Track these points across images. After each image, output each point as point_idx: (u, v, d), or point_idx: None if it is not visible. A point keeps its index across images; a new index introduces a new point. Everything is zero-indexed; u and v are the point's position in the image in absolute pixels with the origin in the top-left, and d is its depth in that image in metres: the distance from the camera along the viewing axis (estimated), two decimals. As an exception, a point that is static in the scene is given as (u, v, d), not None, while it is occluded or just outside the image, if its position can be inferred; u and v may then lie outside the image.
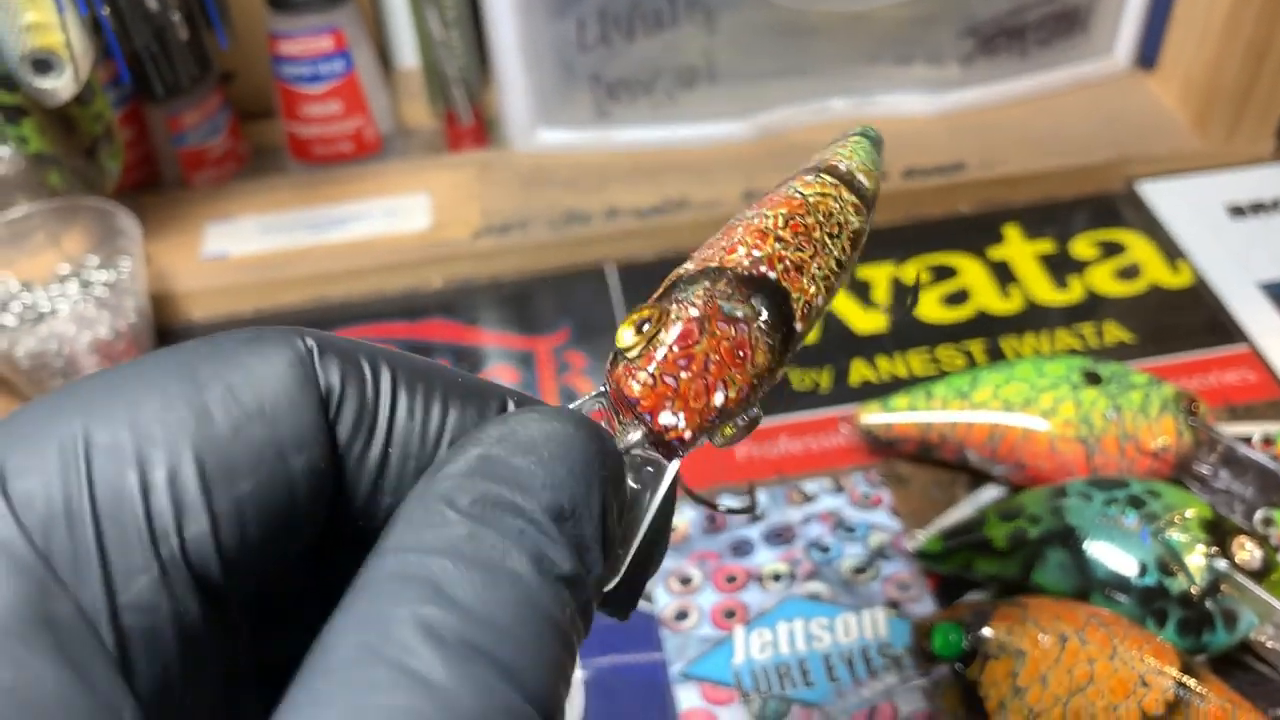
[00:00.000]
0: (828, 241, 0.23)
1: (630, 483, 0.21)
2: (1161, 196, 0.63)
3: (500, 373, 0.55)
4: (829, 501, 0.49)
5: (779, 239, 0.23)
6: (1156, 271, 0.59)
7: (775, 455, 0.51)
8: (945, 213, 0.63)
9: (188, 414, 0.17)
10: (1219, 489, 0.46)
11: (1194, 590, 0.40)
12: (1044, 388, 0.47)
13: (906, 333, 0.56)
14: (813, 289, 0.22)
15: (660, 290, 0.23)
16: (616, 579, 0.21)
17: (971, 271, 0.59)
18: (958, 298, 0.58)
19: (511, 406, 0.21)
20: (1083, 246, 0.60)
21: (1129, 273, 0.59)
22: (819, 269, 0.23)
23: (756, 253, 0.22)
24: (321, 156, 0.67)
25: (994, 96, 0.67)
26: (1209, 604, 0.40)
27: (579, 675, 0.43)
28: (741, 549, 0.47)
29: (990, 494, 0.48)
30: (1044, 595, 0.42)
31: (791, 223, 0.23)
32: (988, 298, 0.58)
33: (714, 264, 0.22)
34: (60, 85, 0.47)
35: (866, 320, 0.57)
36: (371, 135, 0.67)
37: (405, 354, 0.21)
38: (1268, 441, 0.47)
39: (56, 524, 0.16)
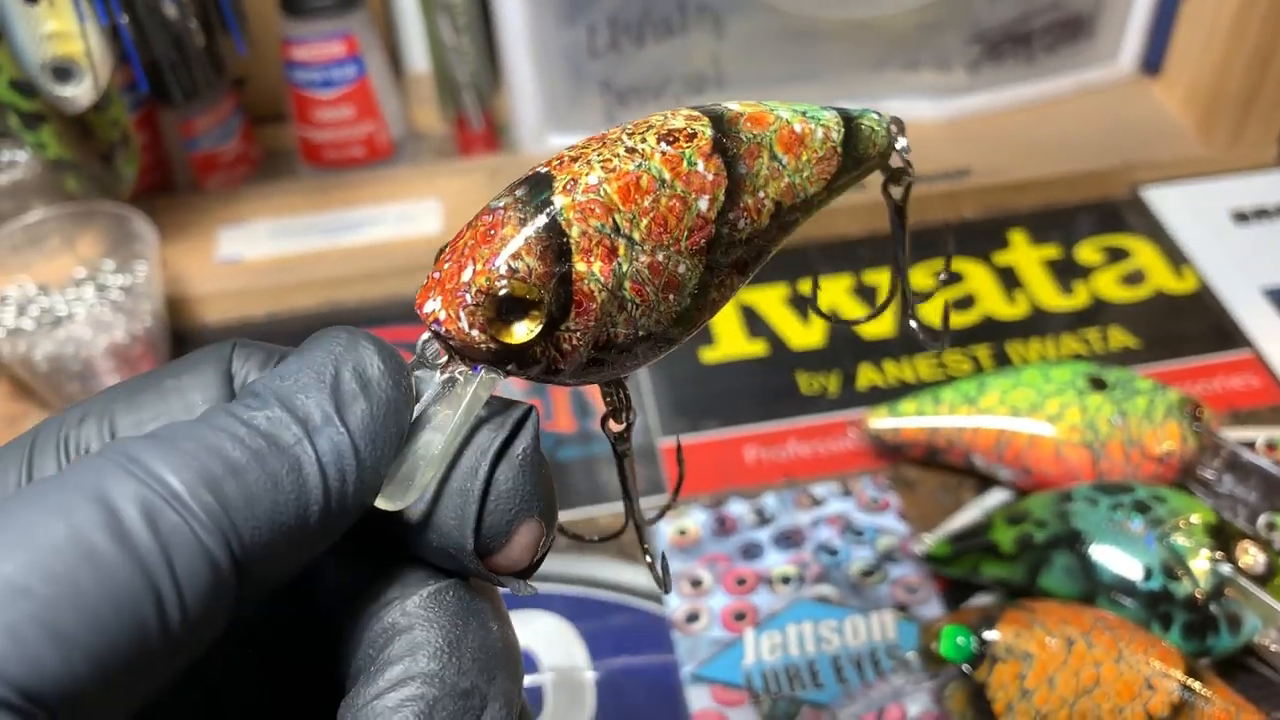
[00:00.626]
0: (623, 136, 0.22)
1: (436, 405, 0.21)
2: (1166, 202, 0.63)
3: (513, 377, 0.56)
4: (837, 505, 0.49)
5: (574, 145, 0.22)
6: (1161, 277, 0.59)
7: (784, 459, 0.51)
8: (952, 218, 0.63)
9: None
10: (1223, 494, 0.46)
11: (1199, 594, 0.40)
12: (1050, 393, 0.47)
13: (913, 338, 0.56)
14: (584, 169, 0.22)
15: None
16: (406, 497, 0.20)
17: (978, 277, 0.60)
18: (964, 303, 0.58)
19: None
20: (1088, 252, 0.61)
21: (1134, 278, 0.59)
22: (598, 154, 0.22)
23: (544, 169, 0.22)
24: (333, 161, 0.68)
25: (1000, 103, 0.68)
26: (1213, 608, 0.40)
27: (589, 676, 0.44)
28: (751, 552, 0.48)
29: (997, 498, 0.49)
30: (1050, 599, 0.42)
31: (599, 135, 0.22)
32: (994, 303, 0.58)
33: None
34: (80, 93, 0.48)
35: (873, 325, 0.57)
36: (383, 140, 0.68)
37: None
38: (1271, 446, 0.48)
39: None
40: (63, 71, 0.47)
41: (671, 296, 0.22)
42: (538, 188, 0.21)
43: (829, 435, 0.52)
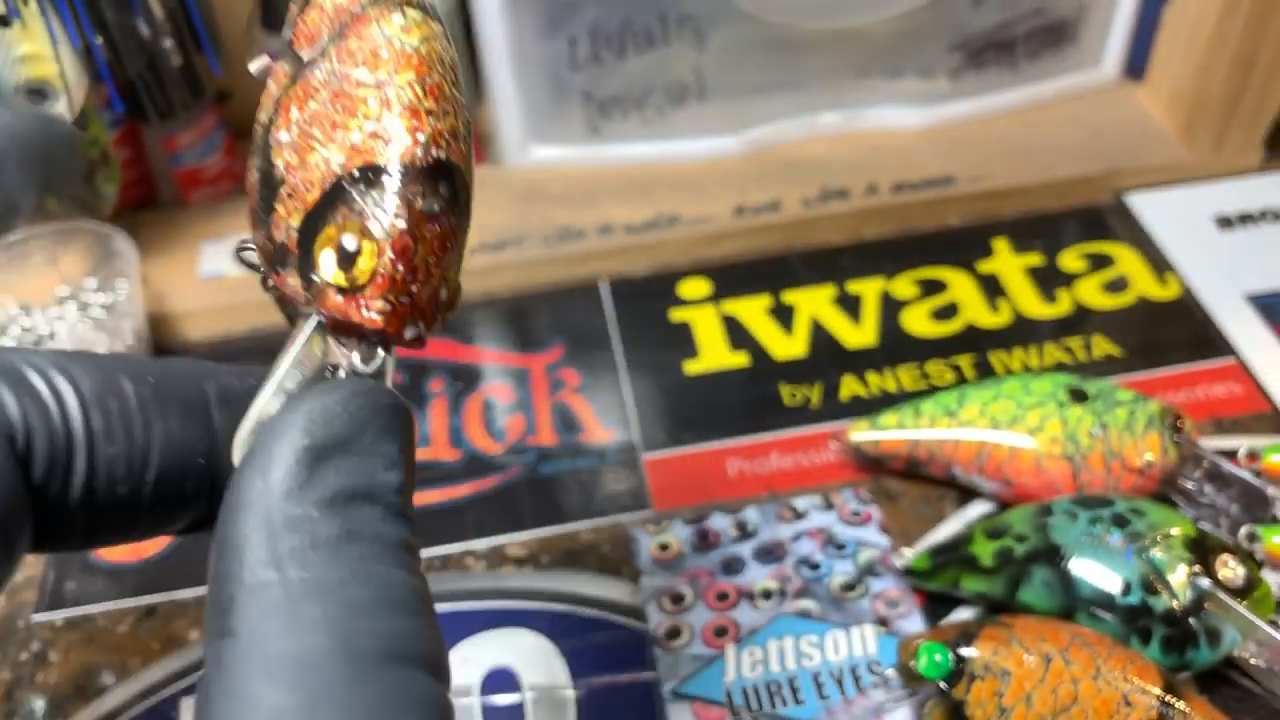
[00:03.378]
0: (456, 94, 0.22)
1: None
2: (1149, 208, 0.63)
3: (496, 391, 0.56)
4: (819, 518, 0.49)
5: (429, 112, 0.22)
6: (1144, 284, 0.59)
7: (766, 471, 0.51)
8: (934, 226, 0.63)
9: None
10: (1204, 504, 0.46)
11: (1177, 608, 0.40)
12: (1030, 405, 0.47)
13: (896, 348, 0.57)
14: (463, 146, 0.22)
15: (321, 194, 0.22)
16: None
17: (960, 285, 0.60)
18: (946, 312, 0.58)
19: (215, 392, 0.24)
20: (1071, 259, 0.61)
21: (1117, 285, 0.59)
22: (463, 125, 0.22)
23: (421, 136, 0.21)
24: (316, 174, 0.68)
25: (983, 109, 0.68)
26: (1193, 622, 0.40)
27: (570, 694, 0.44)
28: (733, 566, 0.47)
29: (978, 509, 0.49)
30: (1030, 613, 0.42)
31: (428, 87, 0.22)
32: (977, 312, 0.58)
33: (377, 159, 0.21)
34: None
35: (857, 335, 0.57)
36: (366, 153, 0.68)
37: (100, 359, 0.22)
38: (1253, 456, 0.48)
39: None
40: (37, 94, 0.47)
41: None
42: (452, 181, 0.22)
43: (811, 447, 0.52)
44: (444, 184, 0.21)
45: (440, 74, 0.22)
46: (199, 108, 0.64)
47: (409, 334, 0.22)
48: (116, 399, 0.21)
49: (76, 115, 0.49)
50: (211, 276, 0.61)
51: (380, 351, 0.22)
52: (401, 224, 0.21)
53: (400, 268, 0.21)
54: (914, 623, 0.45)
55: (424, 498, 0.52)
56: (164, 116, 0.62)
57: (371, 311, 0.22)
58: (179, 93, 0.61)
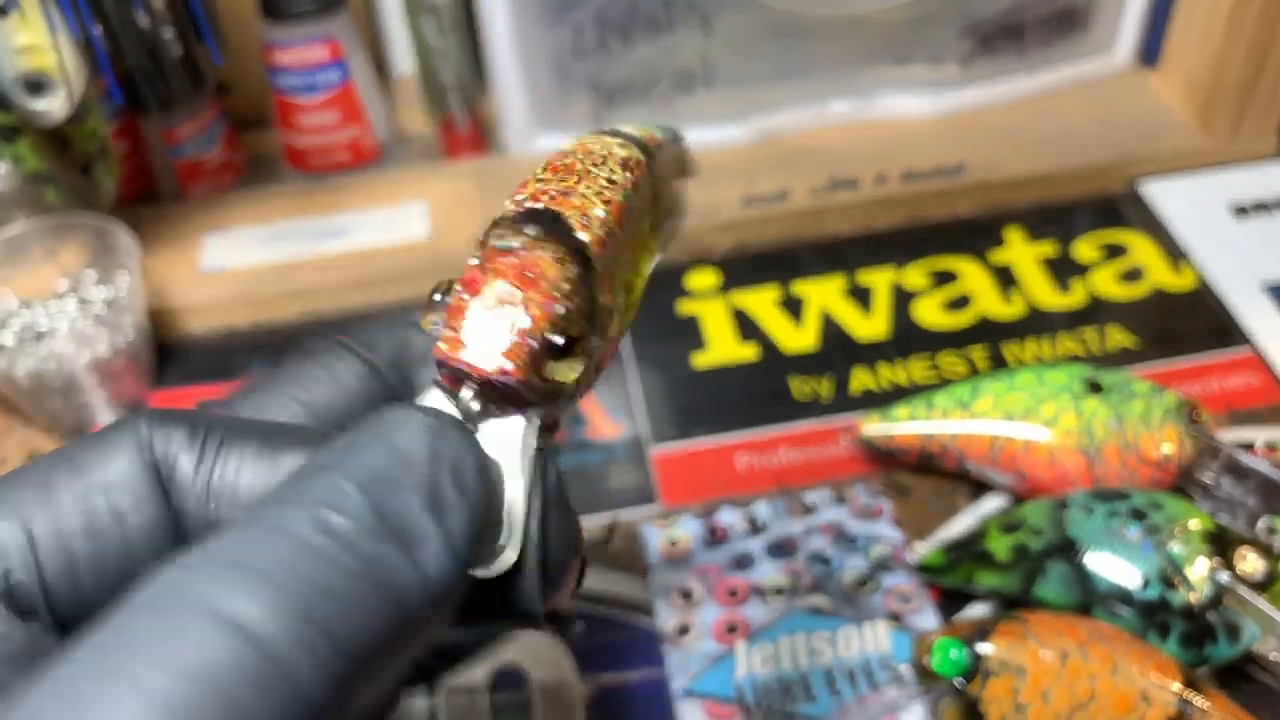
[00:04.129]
0: (590, 168, 0.24)
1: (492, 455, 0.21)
2: (1164, 197, 0.62)
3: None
4: (830, 513, 0.48)
5: (539, 179, 0.23)
6: (1159, 274, 0.58)
7: (777, 466, 0.51)
8: (945, 215, 0.62)
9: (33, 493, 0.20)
10: (1221, 497, 0.45)
11: (1196, 602, 0.40)
12: (1045, 397, 0.47)
13: (907, 340, 0.56)
14: (585, 202, 0.23)
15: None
16: (500, 562, 0.20)
17: (973, 276, 0.59)
18: (959, 303, 0.58)
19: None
20: (1085, 249, 0.60)
21: (1131, 275, 0.58)
22: (588, 188, 0.23)
23: (520, 196, 0.23)
24: (319, 166, 0.67)
25: (994, 97, 0.67)
26: (1211, 616, 0.39)
27: (580, 691, 0.43)
28: (743, 562, 0.47)
29: (992, 503, 0.48)
30: (1046, 609, 0.41)
31: (550, 166, 0.24)
32: (989, 302, 0.57)
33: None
34: (54, 106, 0.47)
35: (867, 327, 0.57)
36: (369, 144, 0.67)
37: (243, 421, 0.22)
38: (1271, 448, 0.47)
39: None
40: (35, 85, 0.46)
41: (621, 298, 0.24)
42: (554, 224, 0.22)
43: (822, 441, 0.51)
44: (532, 225, 0.22)
45: (575, 158, 0.24)
46: (199, 99, 0.63)
47: (465, 357, 0.21)
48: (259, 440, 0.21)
49: (75, 107, 0.48)
50: (213, 270, 0.61)
51: (467, 392, 0.21)
52: (473, 260, 0.22)
53: (465, 296, 0.21)
54: (927, 618, 0.44)
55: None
56: (164, 108, 0.61)
57: (441, 342, 0.21)
58: (179, 84, 0.61)
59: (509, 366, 0.21)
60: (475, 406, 0.21)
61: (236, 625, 0.15)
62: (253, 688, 0.15)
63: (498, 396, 0.21)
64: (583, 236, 0.22)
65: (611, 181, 0.23)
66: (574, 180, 0.23)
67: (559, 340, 0.21)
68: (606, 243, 0.22)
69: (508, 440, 0.21)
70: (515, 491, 0.21)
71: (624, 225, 0.23)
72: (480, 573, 0.20)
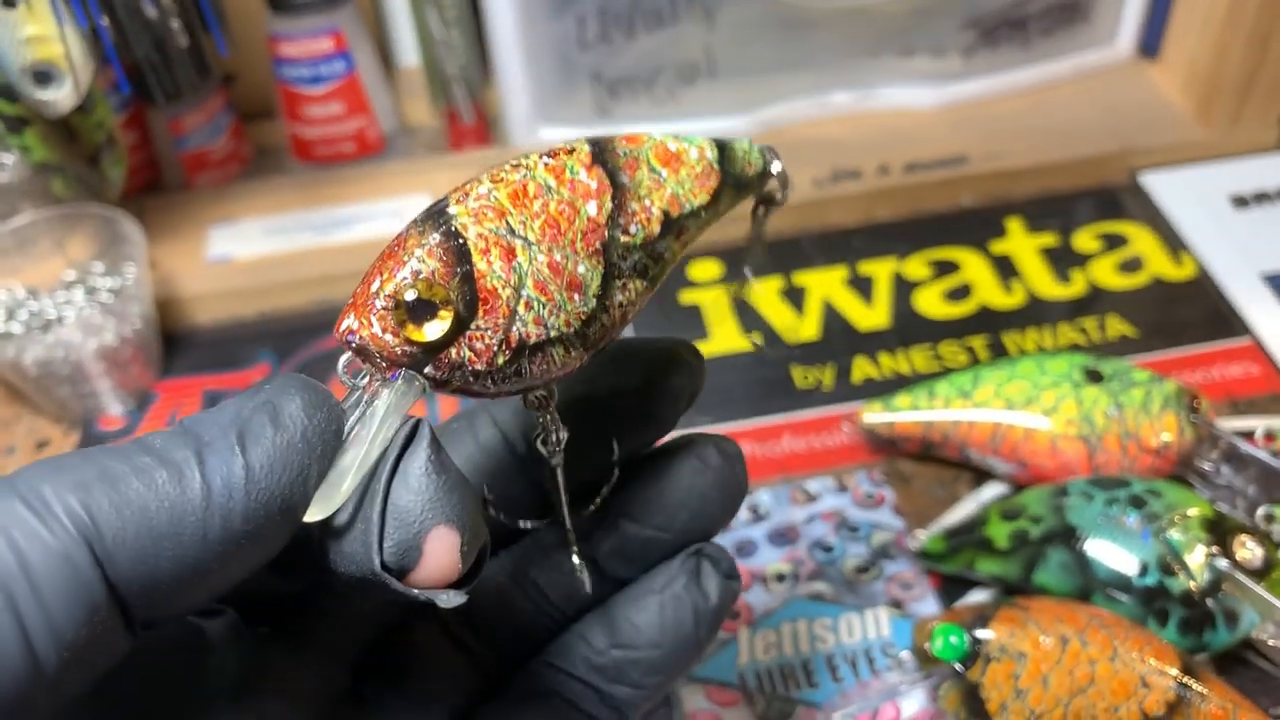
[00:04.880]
0: (508, 162, 0.24)
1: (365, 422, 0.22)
2: (1164, 187, 0.62)
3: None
4: (832, 501, 0.49)
5: (474, 181, 0.24)
6: (1159, 264, 0.59)
7: (779, 454, 0.51)
8: (947, 206, 0.63)
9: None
10: (1221, 485, 0.46)
11: (1195, 589, 0.40)
12: (1046, 386, 0.47)
13: (909, 329, 0.56)
14: (471, 184, 0.23)
15: None
16: (313, 510, 0.21)
17: (974, 266, 0.59)
18: (960, 293, 0.58)
19: None
20: (1085, 239, 0.60)
21: (1131, 265, 0.59)
22: (487, 174, 0.24)
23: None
24: (324, 157, 0.67)
25: (996, 88, 0.67)
26: (1210, 603, 0.40)
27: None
28: (745, 549, 0.47)
29: (993, 491, 0.48)
30: (1046, 595, 0.42)
31: (490, 173, 0.24)
32: (990, 292, 0.58)
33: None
34: (61, 97, 0.48)
35: (869, 317, 0.57)
36: (374, 135, 0.67)
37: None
38: (1270, 436, 0.48)
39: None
40: (43, 75, 0.47)
41: (576, 297, 0.24)
42: (433, 208, 0.23)
43: (824, 430, 0.52)
44: (423, 213, 0.23)
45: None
46: (206, 90, 0.63)
47: (342, 326, 0.22)
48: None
49: (82, 98, 0.49)
50: (219, 260, 0.61)
51: (344, 356, 0.23)
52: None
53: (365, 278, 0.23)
54: (928, 605, 0.45)
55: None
56: (170, 98, 0.62)
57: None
58: (185, 74, 0.61)
59: (354, 325, 0.22)
60: (354, 374, 0.23)
61: (29, 505, 0.18)
62: (39, 556, 0.18)
63: (363, 356, 0.22)
64: (452, 208, 0.23)
65: (515, 165, 0.24)
66: (485, 177, 0.24)
67: (406, 297, 0.22)
68: (485, 213, 0.23)
69: (376, 401, 0.22)
70: (365, 449, 0.22)
71: (526, 201, 0.23)
72: (309, 515, 0.21)
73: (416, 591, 0.22)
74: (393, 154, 0.69)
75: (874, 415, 0.50)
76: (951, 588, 0.45)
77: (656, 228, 0.25)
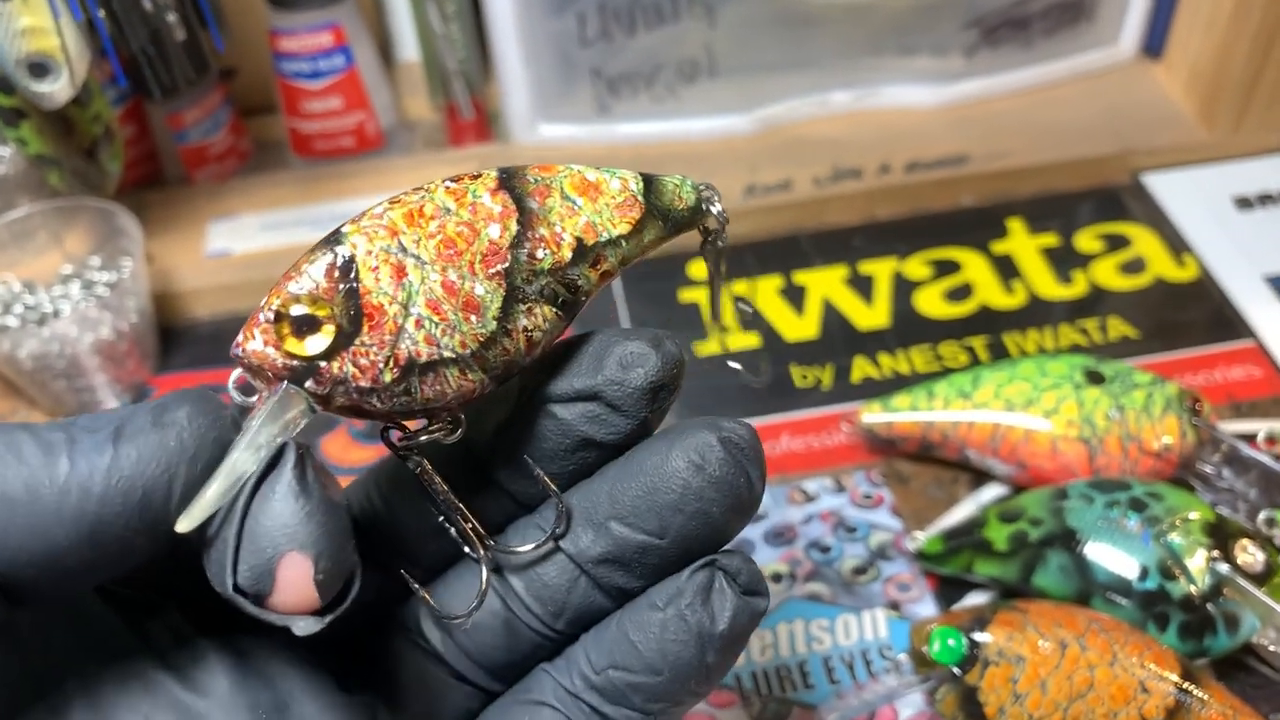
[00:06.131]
0: (411, 191, 0.24)
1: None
2: (1167, 188, 0.62)
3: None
4: (830, 501, 0.49)
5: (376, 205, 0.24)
6: (1161, 265, 0.58)
7: (777, 454, 0.51)
8: (948, 206, 0.62)
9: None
10: (1222, 489, 0.45)
11: (1195, 593, 0.40)
12: (1046, 387, 0.47)
13: (909, 329, 0.56)
14: (374, 208, 0.23)
15: None
16: (182, 520, 0.21)
17: (974, 266, 0.59)
18: (960, 293, 0.58)
19: None
20: (1087, 240, 0.60)
21: (1133, 266, 0.58)
22: (389, 199, 0.24)
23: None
24: (323, 152, 0.67)
25: (998, 88, 0.67)
26: (1210, 607, 0.40)
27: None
28: (742, 549, 0.47)
29: (992, 492, 0.48)
30: (1045, 598, 0.42)
31: (392, 197, 0.24)
32: (991, 293, 0.57)
33: None
34: (57, 89, 0.47)
35: (869, 316, 0.57)
36: (373, 130, 0.67)
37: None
38: (1272, 439, 0.47)
39: None
40: (39, 67, 0.46)
41: (474, 318, 0.24)
42: (332, 232, 0.23)
43: (822, 429, 0.52)
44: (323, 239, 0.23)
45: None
46: (204, 84, 0.63)
47: (236, 341, 0.23)
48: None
49: (78, 90, 0.48)
50: (218, 254, 0.61)
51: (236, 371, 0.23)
52: None
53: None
54: (926, 607, 0.45)
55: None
56: (168, 93, 0.61)
57: None
58: (183, 68, 0.60)
59: (240, 339, 0.22)
60: (244, 390, 0.23)
61: None
62: None
63: (251, 373, 0.23)
64: (345, 228, 0.23)
65: (416, 189, 0.24)
66: (381, 210, 0.24)
67: (291, 311, 0.22)
68: (377, 231, 0.23)
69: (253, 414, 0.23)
70: (232, 459, 0.22)
71: (421, 221, 0.23)
72: (177, 528, 0.21)
73: (273, 617, 0.22)
74: (392, 149, 0.68)
75: (873, 415, 0.49)
76: (950, 590, 0.45)
77: (568, 254, 0.25)
